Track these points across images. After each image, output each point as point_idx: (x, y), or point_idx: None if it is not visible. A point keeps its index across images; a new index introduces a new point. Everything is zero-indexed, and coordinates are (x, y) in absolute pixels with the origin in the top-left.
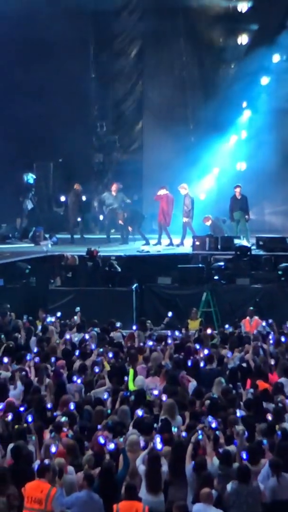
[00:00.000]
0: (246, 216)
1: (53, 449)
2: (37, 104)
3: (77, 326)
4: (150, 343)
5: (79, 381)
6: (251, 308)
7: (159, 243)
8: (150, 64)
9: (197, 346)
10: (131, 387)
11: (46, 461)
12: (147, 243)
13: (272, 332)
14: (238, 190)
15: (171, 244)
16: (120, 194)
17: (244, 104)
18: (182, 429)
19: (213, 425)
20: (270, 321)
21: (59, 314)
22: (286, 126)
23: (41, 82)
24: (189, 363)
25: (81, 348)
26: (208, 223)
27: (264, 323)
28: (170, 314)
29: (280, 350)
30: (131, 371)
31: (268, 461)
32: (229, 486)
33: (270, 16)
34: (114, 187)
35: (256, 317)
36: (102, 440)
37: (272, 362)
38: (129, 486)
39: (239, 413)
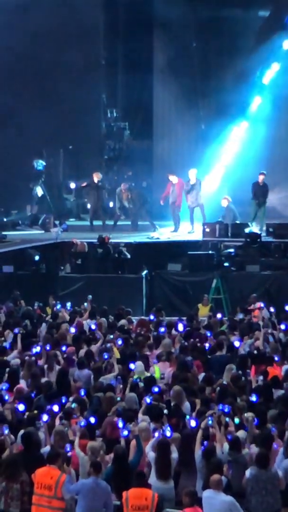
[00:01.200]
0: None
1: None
2: (46, 91)
3: (88, 313)
4: (162, 329)
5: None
6: (254, 295)
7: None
8: (160, 52)
9: (208, 333)
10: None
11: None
12: (155, 229)
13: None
14: (261, 177)
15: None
16: None
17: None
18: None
19: (226, 409)
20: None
21: (69, 304)
22: None
23: (50, 68)
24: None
25: (90, 335)
26: (225, 204)
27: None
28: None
29: None
30: (157, 369)
31: (284, 446)
32: (248, 472)
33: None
34: None
35: (258, 303)
36: (120, 424)
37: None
38: (138, 474)
39: (254, 397)
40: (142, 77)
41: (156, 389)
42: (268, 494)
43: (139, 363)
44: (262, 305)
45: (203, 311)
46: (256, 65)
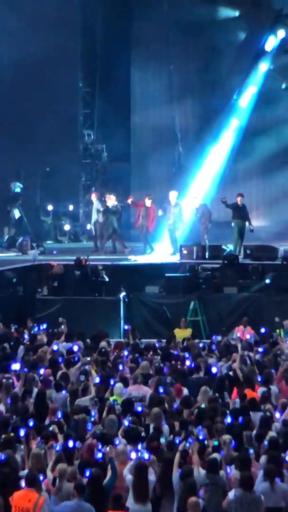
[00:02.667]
0: (251, 226)
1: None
2: (23, 113)
3: (65, 335)
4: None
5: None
6: (245, 318)
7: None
8: (137, 70)
9: (186, 355)
10: None
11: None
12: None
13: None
14: (239, 198)
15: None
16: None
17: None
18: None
19: (200, 437)
20: (263, 330)
21: (44, 326)
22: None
23: (27, 91)
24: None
25: (67, 358)
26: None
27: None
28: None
29: (268, 359)
30: None
31: (263, 468)
32: (231, 494)
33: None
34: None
35: (249, 327)
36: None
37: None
38: (115, 496)
39: (229, 419)
40: (119, 99)
41: (139, 409)
42: None
43: (119, 385)
44: (251, 331)
45: (180, 334)
46: (233, 88)
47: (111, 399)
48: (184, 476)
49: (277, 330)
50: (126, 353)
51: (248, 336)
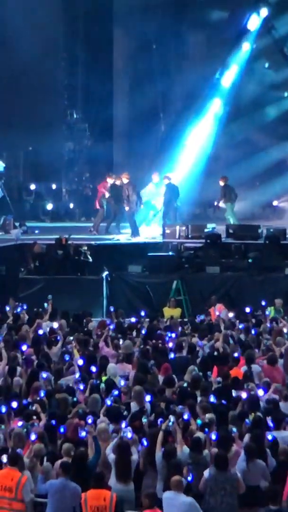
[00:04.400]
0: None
1: (33, 436)
2: (7, 92)
3: (49, 314)
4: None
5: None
6: (213, 297)
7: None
8: (120, 54)
9: (168, 334)
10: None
11: (18, 450)
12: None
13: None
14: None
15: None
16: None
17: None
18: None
19: (185, 416)
20: (248, 310)
21: (25, 307)
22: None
23: (11, 71)
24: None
25: (49, 337)
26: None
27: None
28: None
29: (251, 338)
30: None
31: (243, 447)
32: (206, 473)
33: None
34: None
35: (218, 304)
36: (90, 421)
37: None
38: (97, 475)
39: (213, 398)
40: (103, 78)
41: (116, 392)
42: (227, 495)
43: (112, 365)
44: (222, 307)
45: (168, 313)
46: (215, 67)
47: (104, 379)
48: (167, 456)
49: (268, 308)
50: (112, 327)
51: (217, 313)
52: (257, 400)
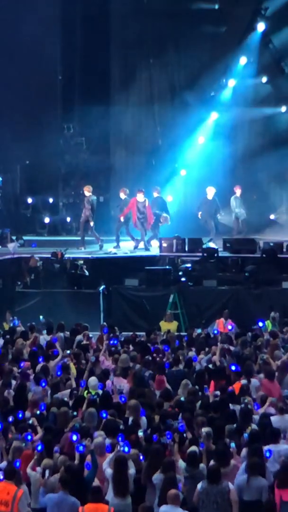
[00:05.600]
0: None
1: (39, 447)
2: (4, 105)
3: (46, 328)
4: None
5: (43, 384)
6: (226, 310)
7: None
8: (117, 67)
9: (165, 348)
10: None
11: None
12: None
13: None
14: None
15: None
16: None
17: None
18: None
19: (180, 430)
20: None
21: (17, 322)
22: (248, 131)
23: (8, 81)
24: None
25: (47, 351)
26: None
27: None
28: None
29: (250, 352)
30: None
31: (246, 462)
32: (199, 486)
33: (237, 18)
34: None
35: (230, 320)
36: (74, 438)
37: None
38: (94, 489)
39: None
40: (99, 92)
41: (123, 399)
42: (220, 508)
43: (93, 378)
44: (232, 323)
45: (165, 327)
46: (212, 81)
47: (92, 392)
48: (165, 470)
49: (266, 322)
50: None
51: (229, 327)
52: (250, 413)
